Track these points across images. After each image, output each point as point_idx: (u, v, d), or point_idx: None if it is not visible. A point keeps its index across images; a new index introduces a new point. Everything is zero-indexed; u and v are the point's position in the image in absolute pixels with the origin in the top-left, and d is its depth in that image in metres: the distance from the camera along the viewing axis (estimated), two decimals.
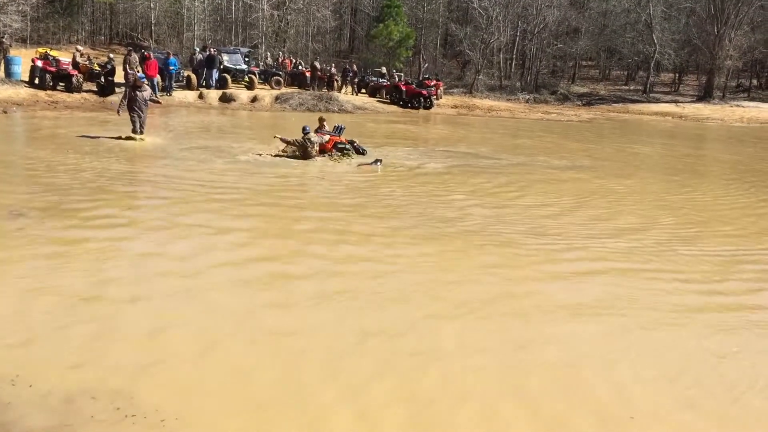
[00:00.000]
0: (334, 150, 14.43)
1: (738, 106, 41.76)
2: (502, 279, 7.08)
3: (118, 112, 15.21)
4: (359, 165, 13.82)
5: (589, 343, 5.58)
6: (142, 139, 15.06)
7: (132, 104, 14.94)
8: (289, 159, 13.92)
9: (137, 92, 15.02)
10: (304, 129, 14.28)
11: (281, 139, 14.08)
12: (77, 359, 4.69)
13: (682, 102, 43.09)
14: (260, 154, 14.35)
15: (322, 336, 5.35)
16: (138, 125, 15.07)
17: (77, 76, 23.88)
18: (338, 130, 15.46)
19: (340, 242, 8.10)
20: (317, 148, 14.14)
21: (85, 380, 4.39)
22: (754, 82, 51.31)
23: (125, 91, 15.57)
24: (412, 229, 8.85)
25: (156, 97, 15.68)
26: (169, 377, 4.55)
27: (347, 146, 14.72)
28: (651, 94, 45.22)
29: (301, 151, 14.02)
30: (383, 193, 11.41)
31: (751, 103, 42.97)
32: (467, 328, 5.71)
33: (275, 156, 14.23)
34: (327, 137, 14.64)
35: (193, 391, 4.38)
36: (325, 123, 15.38)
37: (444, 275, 7.12)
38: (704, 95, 44.35)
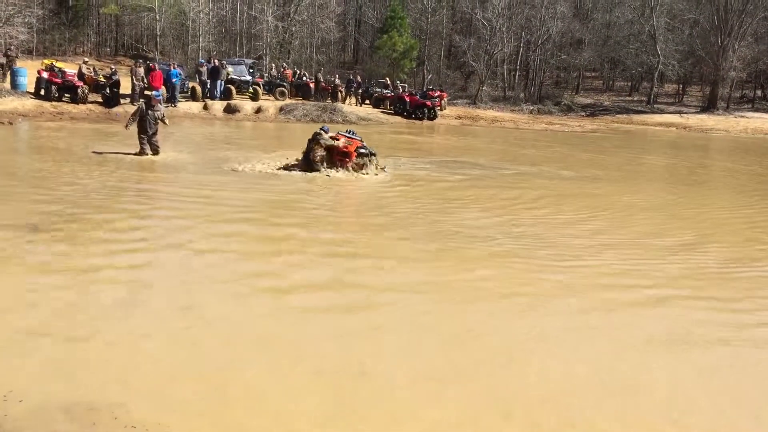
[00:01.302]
0: (354, 158, 13.93)
1: (742, 116, 41.72)
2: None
3: (127, 126, 14.88)
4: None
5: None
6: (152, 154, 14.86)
7: (143, 123, 14.60)
8: (298, 172, 13.69)
9: (150, 111, 14.70)
10: (323, 128, 14.08)
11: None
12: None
13: (686, 113, 43.07)
14: (282, 167, 14.19)
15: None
16: (147, 147, 14.71)
17: (83, 88, 24.03)
18: (350, 134, 14.88)
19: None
20: (322, 154, 13.66)
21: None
22: (758, 93, 51.24)
23: (138, 107, 15.26)
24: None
25: (165, 118, 15.28)
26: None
27: (369, 150, 14.26)
28: (655, 105, 45.23)
29: (307, 152, 13.69)
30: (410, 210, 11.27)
31: (755, 114, 42.93)
32: None
33: (284, 168, 14.04)
34: (343, 140, 14.04)
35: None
36: (327, 131, 14.80)
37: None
38: (708, 106, 44.34)
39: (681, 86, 51.09)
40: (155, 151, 14.84)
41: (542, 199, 12.76)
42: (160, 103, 16.14)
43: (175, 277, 6.89)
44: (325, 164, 13.70)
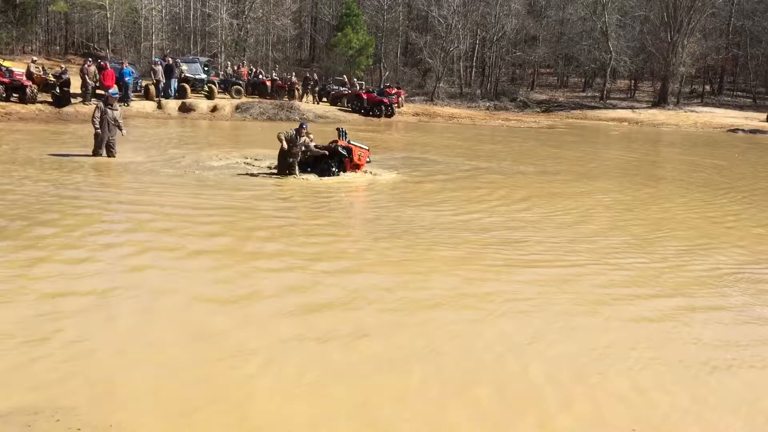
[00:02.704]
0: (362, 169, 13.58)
1: (692, 111, 42.75)
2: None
3: (97, 130, 14.26)
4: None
5: None
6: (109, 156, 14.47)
7: (101, 122, 14.20)
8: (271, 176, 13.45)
9: (107, 109, 14.36)
10: (302, 125, 13.41)
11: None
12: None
13: (638, 108, 43.99)
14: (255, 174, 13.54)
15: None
16: (103, 146, 14.35)
17: (32, 87, 23.39)
18: (342, 134, 14.24)
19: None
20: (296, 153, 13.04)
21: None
22: (707, 88, 52.64)
23: (96, 106, 14.83)
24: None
25: (121, 123, 14.75)
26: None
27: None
28: (608, 101, 46.08)
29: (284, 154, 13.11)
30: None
31: (705, 109, 44.04)
32: None
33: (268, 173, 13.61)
34: (357, 152, 13.38)
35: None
36: (305, 130, 13.52)
37: None
38: (659, 101, 45.35)
39: (633, 82, 52.17)
40: (111, 154, 14.52)
41: (531, 198, 12.90)
42: (117, 103, 15.84)
43: (123, 287, 6.76)
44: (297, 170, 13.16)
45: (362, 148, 13.81)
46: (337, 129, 14.54)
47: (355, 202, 12.28)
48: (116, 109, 14.73)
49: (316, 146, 13.42)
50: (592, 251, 8.74)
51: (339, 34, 41.95)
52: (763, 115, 40.52)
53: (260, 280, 6.96)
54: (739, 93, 51.94)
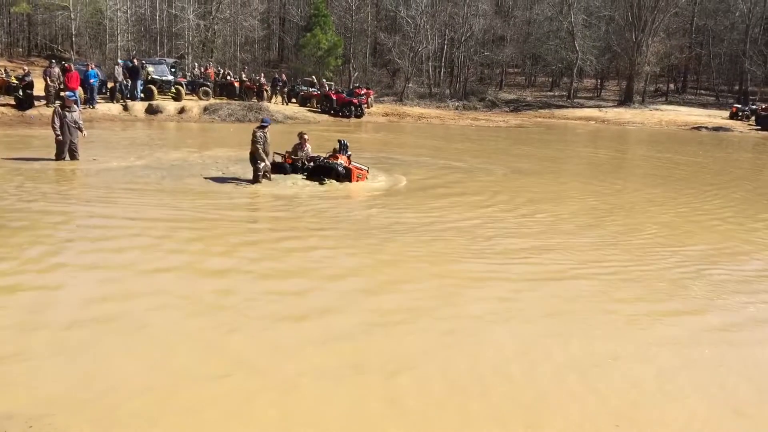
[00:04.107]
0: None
1: (656, 109, 43.42)
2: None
3: (58, 133, 13.98)
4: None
5: None
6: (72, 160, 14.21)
7: (61, 126, 13.93)
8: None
9: (66, 112, 14.09)
10: (264, 120, 13.43)
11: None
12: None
13: (604, 107, 44.53)
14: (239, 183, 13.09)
15: None
16: (65, 150, 14.11)
17: None
18: (344, 147, 13.96)
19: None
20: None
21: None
22: (671, 86, 53.51)
23: (54, 110, 14.55)
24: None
25: (81, 125, 14.48)
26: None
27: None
28: (575, 100, 46.59)
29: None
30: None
31: (669, 107, 44.77)
32: None
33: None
34: (356, 172, 13.31)
35: None
36: (306, 139, 13.67)
37: None
38: (625, 100, 45.97)
39: (599, 81, 52.84)
40: (74, 157, 14.29)
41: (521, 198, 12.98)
42: (76, 104, 15.56)
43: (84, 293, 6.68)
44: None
45: (362, 169, 13.68)
46: (339, 141, 14.22)
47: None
48: (74, 111, 14.49)
49: (316, 158, 13.45)
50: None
51: (308, 34, 41.82)
52: (726, 113, 41.29)
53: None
54: (703, 91, 52.93)
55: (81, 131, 14.40)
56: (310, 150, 13.63)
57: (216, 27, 42.04)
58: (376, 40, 49.27)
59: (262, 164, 12.71)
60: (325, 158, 13.52)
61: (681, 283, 7.72)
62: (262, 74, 34.93)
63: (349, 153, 13.99)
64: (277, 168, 13.38)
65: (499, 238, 9.40)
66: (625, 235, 10.01)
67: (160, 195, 11.31)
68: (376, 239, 8.93)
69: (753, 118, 38.37)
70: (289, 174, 13.30)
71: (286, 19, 53.41)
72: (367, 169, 13.88)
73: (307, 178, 13.19)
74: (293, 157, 13.51)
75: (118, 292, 6.47)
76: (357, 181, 13.34)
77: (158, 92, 27.82)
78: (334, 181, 13.03)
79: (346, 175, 13.19)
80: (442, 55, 47.55)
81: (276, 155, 13.62)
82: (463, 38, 46.44)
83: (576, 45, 46.23)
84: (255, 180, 12.70)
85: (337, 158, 13.49)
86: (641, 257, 8.74)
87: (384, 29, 48.93)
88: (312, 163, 13.42)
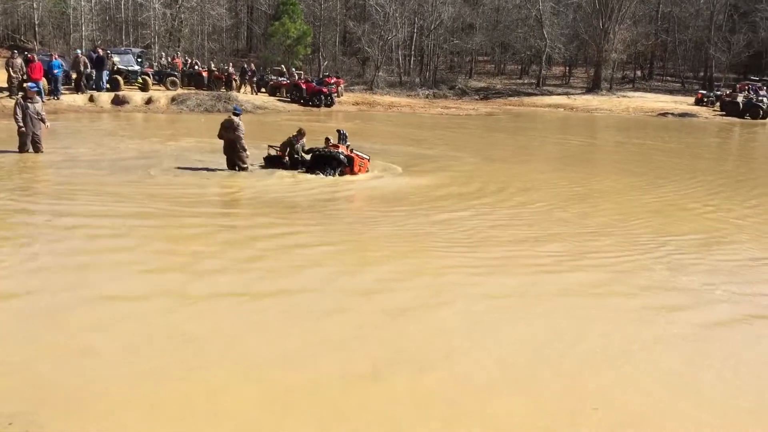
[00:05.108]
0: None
1: (624, 96, 43.88)
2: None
3: (20, 126, 13.69)
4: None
5: None
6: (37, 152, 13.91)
7: (24, 118, 13.63)
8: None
9: (28, 104, 13.77)
10: (235, 108, 13.46)
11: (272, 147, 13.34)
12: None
13: (573, 94, 44.87)
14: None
15: None
16: (29, 142, 13.81)
17: None
18: (343, 138, 13.86)
19: None
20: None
21: None
22: (638, 73, 54.09)
23: (16, 102, 14.21)
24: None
25: (44, 116, 14.17)
26: None
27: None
28: (544, 87, 46.87)
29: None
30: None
31: (636, 94, 45.29)
32: None
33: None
34: (358, 161, 13.12)
35: None
36: (304, 134, 13.52)
37: None
38: (593, 87, 46.34)
39: (567, 68, 53.20)
40: (37, 149, 14.02)
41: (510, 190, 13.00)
42: (39, 95, 15.27)
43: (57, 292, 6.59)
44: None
45: (363, 157, 13.50)
46: (338, 131, 14.05)
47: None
48: (37, 102, 14.22)
49: (314, 149, 13.27)
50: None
51: (276, 23, 41.41)
52: (691, 99, 41.90)
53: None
54: (669, 78, 53.61)
55: (44, 123, 14.14)
56: (305, 142, 13.42)
57: (183, 16, 41.45)
58: (346, 28, 48.99)
59: (247, 152, 12.75)
60: (324, 148, 13.27)
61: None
62: (231, 64, 34.57)
63: (348, 143, 13.81)
64: (275, 162, 13.23)
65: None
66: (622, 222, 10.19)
67: (133, 188, 11.17)
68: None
69: (717, 104, 39.02)
70: (287, 168, 13.09)
71: (254, 7, 52.82)
72: (368, 158, 13.69)
73: (306, 171, 12.96)
74: (291, 150, 13.21)
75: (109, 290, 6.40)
76: (359, 171, 13.12)
77: (124, 83, 27.40)
78: (336, 175, 12.79)
79: (347, 165, 12.97)
80: (411, 44, 47.44)
81: (271, 149, 13.51)
82: (432, 26, 46.37)
83: (544, 33, 46.47)
84: (243, 168, 12.72)
85: (337, 148, 13.26)
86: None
87: (353, 17, 48.66)
88: (310, 155, 13.17)
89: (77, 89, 26.03)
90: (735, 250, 8.94)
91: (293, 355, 5.10)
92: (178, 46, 39.87)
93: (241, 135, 12.60)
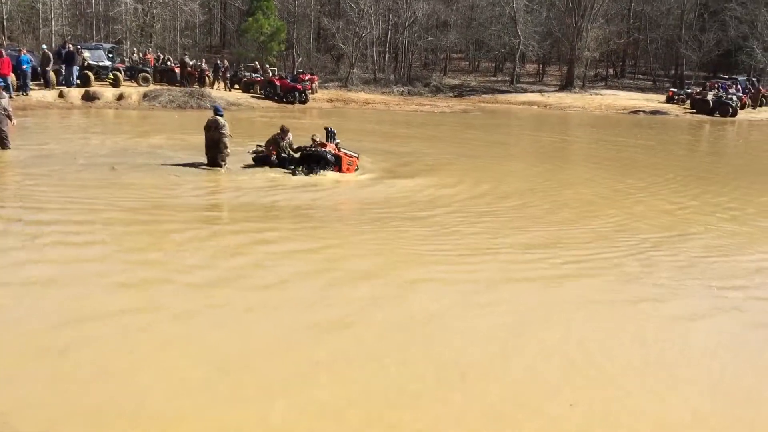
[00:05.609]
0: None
1: (597, 94, 44.33)
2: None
3: None
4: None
5: None
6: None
7: None
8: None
9: None
10: (216, 106, 13.31)
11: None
12: None
13: (546, 92, 45.20)
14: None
15: None
16: None
17: None
18: (331, 135, 13.76)
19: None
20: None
21: None
22: (610, 71, 54.67)
23: None
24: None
25: (10, 112, 13.86)
26: None
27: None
28: (518, 85, 47.15)
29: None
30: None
31: (609, 91, 45.79)
32: None
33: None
34: (346, 160, 12.97)
35: None
36: (287, 131, 13.40)
37: None
38: (566, 84, 46.72)
39: (541, 66, 53.58)
40: (4, 145, 13.73)
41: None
42: (6, 91, 14.95)
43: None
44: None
45: (351, 155, 13.40)
46: (326, 128, 13.90)
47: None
48: (3, 98, 13.92)
49: (303, 147, 13.16)
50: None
51: (250, 19, 41.08)
52: (663, 97, 42.43)
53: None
54: (641, 76, 54.29)
55: (10, 119, 13.86)
56: (291, 139, 13.32)
57: (155, 11, 40.94)
58: (320, 25, 48.75)
59: (228, 151, 12.72)
60: (311, 147, 13.17)
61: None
62: (204, 60, 34.25)
63: (337, 141, 13.70)
64: (263, 161, 13.15)
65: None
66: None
67: (109, 187, 10.98)
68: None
69: (688, 101, 39.54)
70: (275, 167, 12.98)
71: (227, 3, 52.38)
72: (357, 156, 13.60)
73: (293, 170, 12.83)
74: (278, 148, 13.08)
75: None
76: (348, 170, 13.03)
77: (95, 78, 26.97)
78: (326, 173, 12.69)
79: (335, 164, 12.90)
80: (386, 41, 47.39)
81: (258, 147, 13.43)
82: (406, 23, 46.35)
83: (518, 30, 46.75)
84: (219, 165, 12.71)
85: (325, 146, 13.16)
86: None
87: (327, 14, 48.42)
88: (299, 154, 13.09)
89: (47, 85, 25.57)
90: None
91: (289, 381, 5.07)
92: (150, 42, 39.39)
93: (226, 134, 12.64)
